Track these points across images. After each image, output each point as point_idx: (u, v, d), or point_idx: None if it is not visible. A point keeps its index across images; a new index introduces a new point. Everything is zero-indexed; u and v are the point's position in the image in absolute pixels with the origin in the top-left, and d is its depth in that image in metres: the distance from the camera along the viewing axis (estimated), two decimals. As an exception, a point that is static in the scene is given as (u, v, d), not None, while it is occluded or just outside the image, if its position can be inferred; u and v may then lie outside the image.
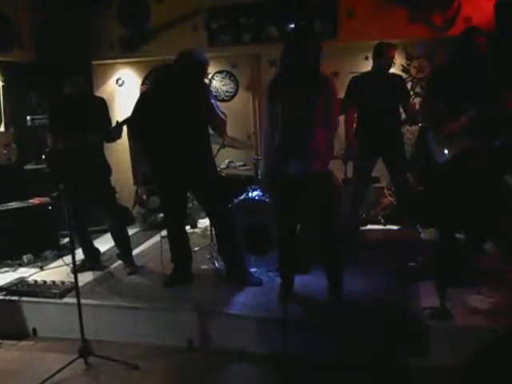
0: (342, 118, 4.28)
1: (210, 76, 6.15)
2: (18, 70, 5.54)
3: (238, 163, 5.50)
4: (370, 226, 5.30)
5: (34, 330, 3.85)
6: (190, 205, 5.04)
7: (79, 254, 4.31)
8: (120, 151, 5.72)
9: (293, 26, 5.23)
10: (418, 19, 5.05)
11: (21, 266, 4.58)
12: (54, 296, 3.78)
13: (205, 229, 5.01)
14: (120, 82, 6.48)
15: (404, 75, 5.42)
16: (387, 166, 4.69)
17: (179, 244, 4.04)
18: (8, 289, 3.94)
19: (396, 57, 4.79)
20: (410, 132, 5.34)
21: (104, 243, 4.89)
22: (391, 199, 5.41)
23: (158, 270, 4.25)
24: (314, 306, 3.50)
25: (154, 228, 5.57)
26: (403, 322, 3.24)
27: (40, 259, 4.71)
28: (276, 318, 3.37)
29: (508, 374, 2.72)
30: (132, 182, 5.97)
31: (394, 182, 4.82)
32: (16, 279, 4.17)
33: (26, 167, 5.36)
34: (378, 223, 5.39)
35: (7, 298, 3.87)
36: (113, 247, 4.64)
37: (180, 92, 3.68)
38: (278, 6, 5.40)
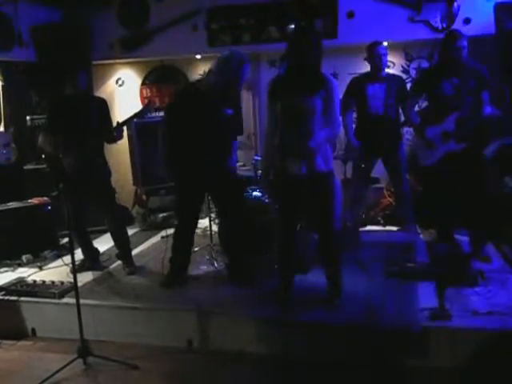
0: (341, 118, 4.29)
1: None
2: (18, 70, 5.53)
3: (237, 163, 5.48)
4: (369, 227, 5.31)
5: (33, 330, 3.84)
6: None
7: (78, 254, 4.31)
8: (120, 152, 5.71)
9: (293, 26, 5.23)
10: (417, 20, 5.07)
11: (20, 265, 4.58)
12: (53, 296, 3.78)
13: (205, 229, 5.01)
14: (120, 82, 6.47)
15: (404, 76, 5.41)
16: (387, 167, 4.70)
17: (184, 246, 4.03)
18: (7, 289, 3.94)
19: (395, 57, 4.79)
20: (409, 132, 5.33)
21: (103, 243, 4.89)
22: (391, 200, 5.41)
23: (157, 271, 4.24)
24: (313, 306, 3.49)
25: (153, 228, 5.57)
26: (403, 323, 3.23)
27: (39, 259, 4.71)
28: (275, 318, 3.38)
29: (508, 375, 2.73)
30: (132, 182, 5.96)
31: (394, 182, 4.83)
32: (15, 279, 4.17)
33: (25, 167, 5.34)
34: (378, 224, 5.39)
35: (6, 297, 3.87)
36: (112, 247, 4.64)
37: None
38: (277, 7, 5.40)
